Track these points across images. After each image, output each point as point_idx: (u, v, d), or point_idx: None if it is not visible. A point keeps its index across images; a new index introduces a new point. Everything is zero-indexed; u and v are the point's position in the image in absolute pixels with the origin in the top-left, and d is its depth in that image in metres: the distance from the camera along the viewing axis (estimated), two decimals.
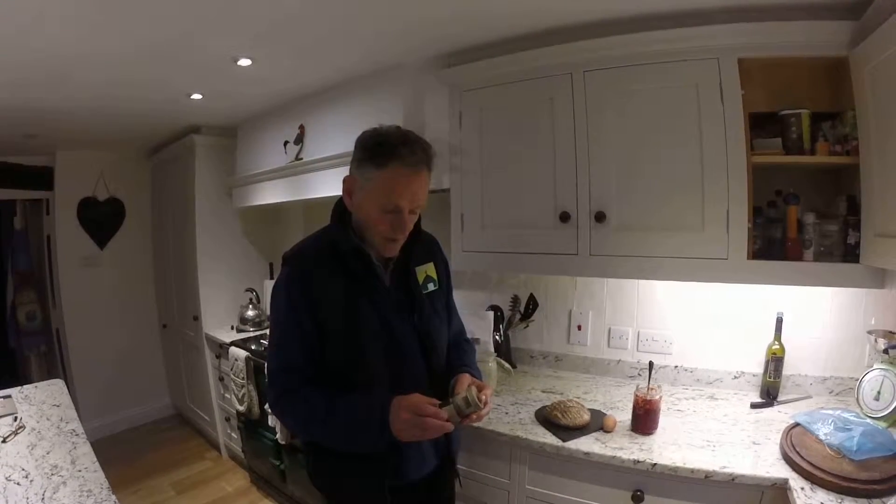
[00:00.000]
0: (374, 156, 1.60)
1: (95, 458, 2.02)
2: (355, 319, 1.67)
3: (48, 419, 2.40)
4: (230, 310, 4.67)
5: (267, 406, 3.44)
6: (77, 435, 2.24)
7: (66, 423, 2.37)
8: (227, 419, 4.47)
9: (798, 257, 2.14)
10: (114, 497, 1.73)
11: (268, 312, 4.54)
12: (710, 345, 2.66)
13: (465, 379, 1.74)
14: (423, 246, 1.89)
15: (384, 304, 1.73)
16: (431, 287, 1.90)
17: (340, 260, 1.69)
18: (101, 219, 5.23)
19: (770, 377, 2.44)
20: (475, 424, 1.84)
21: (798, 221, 2.15)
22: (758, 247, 2.20)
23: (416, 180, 1.63)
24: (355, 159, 1.67)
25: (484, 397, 1.61)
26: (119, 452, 4.76)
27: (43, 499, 1.71)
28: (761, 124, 2.17)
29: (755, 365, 2.54)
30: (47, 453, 2.05)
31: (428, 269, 1.90)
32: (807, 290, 2.32)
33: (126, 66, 2.74)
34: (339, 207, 1.79)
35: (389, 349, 1.71)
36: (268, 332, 4.15)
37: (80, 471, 1.91)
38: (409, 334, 1.77)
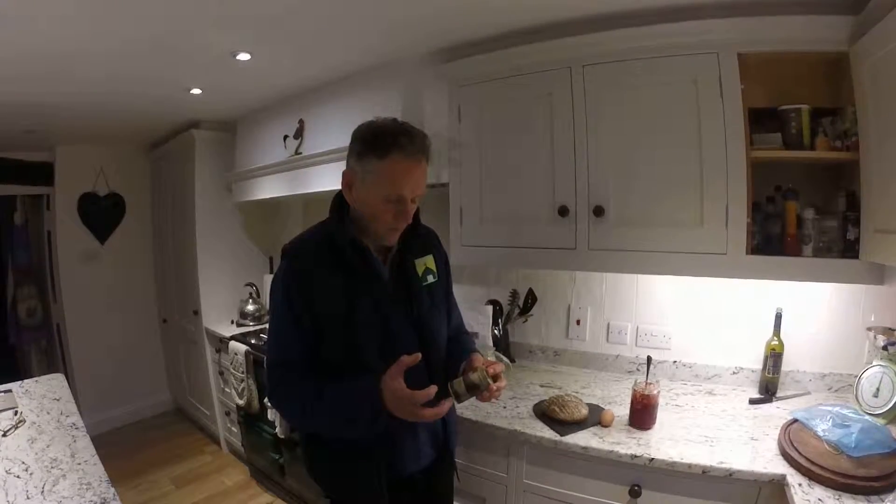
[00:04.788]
0: (375, 147, 1.60)
1: (95, 452, 2.02)
2: (352, 313, 1.67)
3: (48, 413, 2.40)
4: (230, 304, 4.67)
5: (266, 400, 3.45)
6: (77, 428, 2.24)
7: (66, 416, 2.37)
8: (227, 413, 4.48)
9: (797, 253, 2.13)
10: (113, 490, 1.74)
11: (267, 307, 4.56)
12: (708, 340, 2.66)
13: (479, 359, 1.77)
14: (421, 239, 1.89)
15: (382, 296, 1.73)
16: (431, 280, 1.89)
17: (338, 253, 1.69)
18: (102, 214, 5.23)
19: (769, 373, 2.44)
20: (473, 419, 1.84)
21: (797, 217, 2.15)
22: (757, 242, 2.19)
23: (416, 169, 1.64)
24: (354, 152, 1.67)
25: (493, 373, 1.65)
26: (119, 447, 4.76)
27: (42, 492, 1.71)
28: (761, 120, 2.16)
29: (754, 361, 2.54)
30: (47, 447, 2.05)
31: (427, 262, 1.90)
32: (806, 286, 2.33)
33: (126, 61, 2.74)
34: (338, 201, 1.78)
35: (386, 342, 1.71)
36: (265, 326, 4.18)
37: (79, 464, 1.91)
38: (407, 327, 1.78)
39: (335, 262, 1.69)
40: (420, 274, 1.86)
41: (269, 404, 3.43)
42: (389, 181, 1.61)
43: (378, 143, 1.60)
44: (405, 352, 1.68)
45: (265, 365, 1.80)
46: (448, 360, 1.90)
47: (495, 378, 1.67)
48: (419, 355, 1.57)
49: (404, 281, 1.82)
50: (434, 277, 1.91)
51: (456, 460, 2.03)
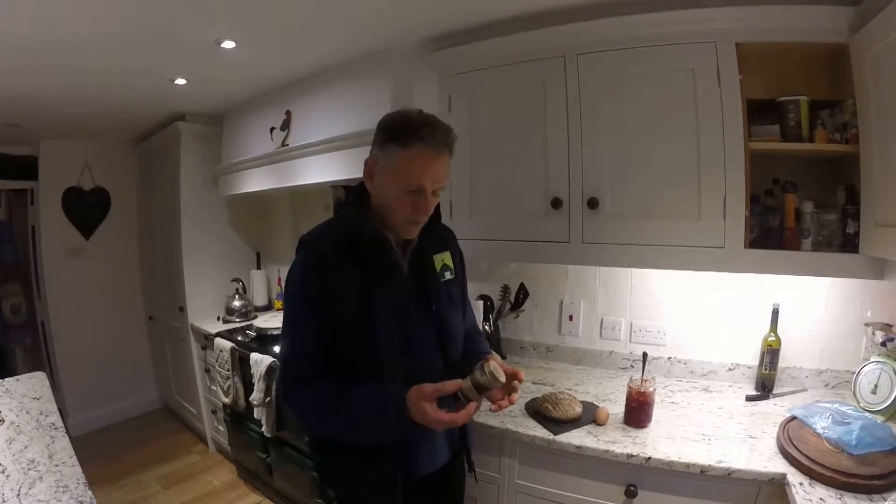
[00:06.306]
0: (398, 136, 1.59)
1: (73, 453, 1.98)
2: (370, 307, 1.64)
3: (28, 413, 2.35)
4: (217, 300, 4.63)
5: (252, 398, 3.40)
6: (56, 428, 2.19)
7: (46, 416, 2.32)
8: (214, 412, 4.44)
9: (796, 247, 2.12)
10: (90, 493, 1.69)
11: (254, 303, 4.54)
12: (704, 336, 2.64)
13: (492, 359, 1.71)
14: (440, 235, 1.89)
15: (401, 291, 1.72)
16: (448, 276, 1.89)
17: (357, 246, 1.66)
18: (87, 209, 5.19)
19: (765, 369, 2.41)
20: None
21: (796, 210, 2.14)
22: (755, 235, 2.17)
23: (437, 161, 1.62)
24: (377, 141, 1.65)
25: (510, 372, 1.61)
26: (105, 447, 4.74)
27: (18, 494, 1.66)
28: (759, 111, 2.15)
29: (750, 357, 2.52)
30: (25, 447, 2.01)
31: (445, 258, 1.89)
32: (803, 282, 2.30)
33: (109, 51, 2.69)
34: (358, 192, 1.76)
35: (404, 337, 1.69)
36: (252, 323, 4.13)
37: (57, 465, 1.87)
38: (425, 322, 1.76)
39: (354, 255, 1.66)
40: (438, 270, 1.85)
41: (255, 401, 3.37)
42: (409, 171, 1.60)
43: (401, 131, 1.59)
44: (423, 346, 1.72)
45: (280, 361, 1.75)
46: (463, 360, 1.87)
47: (514, 376, 1.66)
48: (460, 381, 1.56)
49: (422, 276, 1.81)
50: (451, 274, 1.90)
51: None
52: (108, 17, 2.28)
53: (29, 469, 1.83)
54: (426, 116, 1.63)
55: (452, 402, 1.55)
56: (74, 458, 1.93)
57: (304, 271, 1.66)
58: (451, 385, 1.53)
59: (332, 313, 1.62)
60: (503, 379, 1.55)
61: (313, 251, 1.69)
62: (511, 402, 1.66)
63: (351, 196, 1.79)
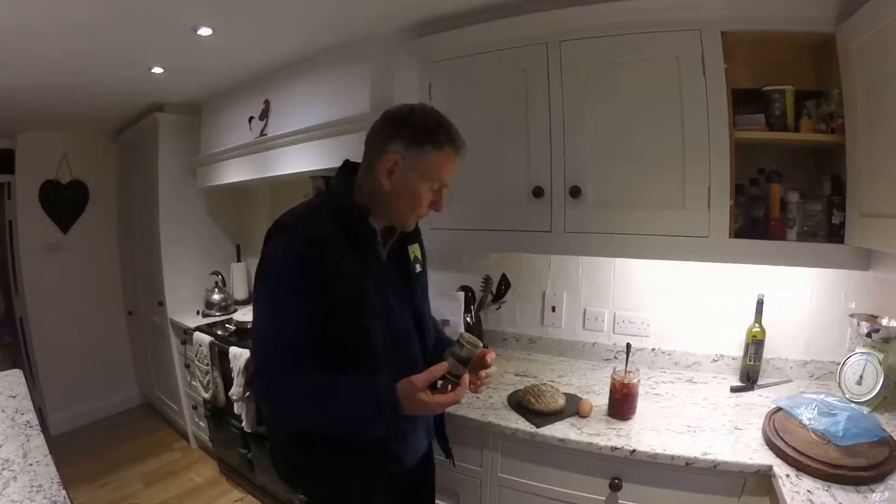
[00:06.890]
0: (429, 136, 1.63)
1: (48, 452, 1.93)
2: (360, 294, 1.61)
3: (3, 411, 2.30)
4: (197, 294, 4.58)
5: (231, 393, 3.36)
6: (31, 427, 2.15)
7: (21, 414, 2.27)
8: (195, 407, 4.39)
9: (781, 237, 2.11)
10: (64, 492, 1.65)
11: (234, 296, 4.47)
12: (688, 327, 2.63)
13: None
14: (415, 227, 1.90)
15: (383, 281, 1.71)
16: (418, 268, 1.91)
17: (348, 231, 1.63)
18: (65, 203, 5.10)
19: (750, 360, 2.41)
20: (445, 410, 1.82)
21: (781, 200, 2.13)
22: (740, 225, 2.16)
23: (460, 161, 1.71)
24: (400, 137, 1.63)
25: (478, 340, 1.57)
26: (86, 445, 4.68)
27: None
28: (744, 101, 2.13)
29: (734, 348, 2.51)
30: None
31: (415, 250, 1.91)
32: (788, 273, 2.30)
33: (82, 37, 2.64)
34: (343, 178, 1.77)
35: (390, 327, 1.70)
36: (231, 316, 4.08)
37: (31, 465, 1.83)
38: (405, 312, 1.79)
39: (346, 238, 1.62)
40: (411, 261, 1.88)
41: (235, 396, 3.33)
42: (440, 171, 1.66)
43: (436, 133, 1.63)
44: (405, 336, 1.76)
45: (255, 354, 1.66)
46: (435, 347, 1.90)
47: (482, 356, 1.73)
48: (444, 363, 1.54)
49: (400, 267, 1.84)
50: (420, 266, 1.93)
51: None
52: (79, 1, 2.24)
53: (3, 469, 1.79)
54: (443, 116, 1.69)
55: (439, 385, 1.54)
56: (49, 457, 1.89)
57: (293, 255, 1.56)
58: (438, 370, 1.50)
59: (327, 299, 1.55)
60: (480, 343, 1.56)
61: (307, 232, 1.60)
62: (487, 376, 1.76)
63: (338, 184, 1.78)
